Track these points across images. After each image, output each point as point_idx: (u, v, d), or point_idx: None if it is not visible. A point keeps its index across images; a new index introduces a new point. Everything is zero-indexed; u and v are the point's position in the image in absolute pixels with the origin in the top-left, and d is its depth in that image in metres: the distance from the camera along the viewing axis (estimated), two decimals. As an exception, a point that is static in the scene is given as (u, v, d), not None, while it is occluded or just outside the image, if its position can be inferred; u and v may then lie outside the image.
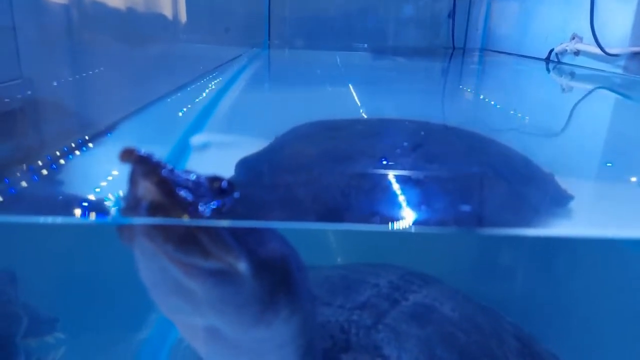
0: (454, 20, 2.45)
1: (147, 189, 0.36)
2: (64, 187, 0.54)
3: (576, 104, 1.24)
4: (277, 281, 0.45)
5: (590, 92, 1.41)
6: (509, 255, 1.03)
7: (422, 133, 0.74)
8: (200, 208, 0.38)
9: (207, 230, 0.38)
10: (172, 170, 0.37)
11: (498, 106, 1.17)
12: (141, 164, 0.36)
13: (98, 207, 0.45)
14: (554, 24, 1.81)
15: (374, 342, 0.63)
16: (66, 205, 0.47)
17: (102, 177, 0.53)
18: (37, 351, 0.95)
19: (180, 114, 0.91)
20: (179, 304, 0.42)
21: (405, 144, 0.66)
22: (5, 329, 0.91)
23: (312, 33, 2.43)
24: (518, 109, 1.13)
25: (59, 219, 0.46)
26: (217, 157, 0.71)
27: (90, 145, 0.65)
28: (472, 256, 1.08)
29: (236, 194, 0.41)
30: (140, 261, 0.41)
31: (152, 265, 0.40)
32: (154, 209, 0.36)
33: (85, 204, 0.46)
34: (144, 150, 0.36)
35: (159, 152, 0.37)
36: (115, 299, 0.94)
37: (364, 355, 0.62)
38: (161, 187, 0.36)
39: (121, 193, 0.42)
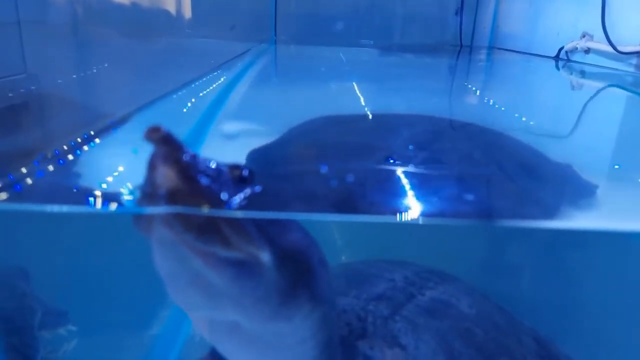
0: (461, 17, 2.42)
1: (167, 175, 0.34)
2: (75, 179, 0.53)
3: (587, 103, 1.22)
4: (300, 273, 0.44)
5: (601, 90, 1.39)
6: (530, 251, 1.00)
7: (438, 127, 0.72)
8: (222, 197, 0.36)
9: (229, 219, 0.37)
10: (194, 156, 0.35)
11: (506, 105, 1.15)
12: (164, 145, 0.34)
13: (111, 197, 0.43)
14: (563, 22, 1.79)
15: (391, 331, 0.62)
16: (79, 195, 0.45)
17: (110, 171, 0.51)
18: (50, 343, 0.96)
19: (189, 107, 0.90)
20: (197, 297, 0.41)
21: (421, 138, 0.64)
22: (22, 322, 0.92)
23: (318, 29, 2.41)
24: (527, 107, 1.11)
25: (74, 209, 0.44)
26: (228, 149, 0.70)
27: (97, 140, 0.63)
28: (492, 252, 1.05)
29: (257, 183, 0.39)
30: (157, 251, 0.39)
31: (170, 256, 0.39)
32: (173, 197, 0.34)
33: (98, 194, 0.44)
34: (167, 130, 0.34)
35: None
36: (128, 293, 0.94)
37: (381, 343, 0.60)
38: (182, 174, 0.34)
39: (130, 185, 0.42)
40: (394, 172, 0.52)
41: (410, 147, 0.61)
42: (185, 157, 0.34)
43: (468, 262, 0.96)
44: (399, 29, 2.51)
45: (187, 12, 1.36)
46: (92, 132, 0.64)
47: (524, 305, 0.82)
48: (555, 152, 0.74)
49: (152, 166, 0.35)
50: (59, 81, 0.89)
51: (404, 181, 0.50)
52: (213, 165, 0.37)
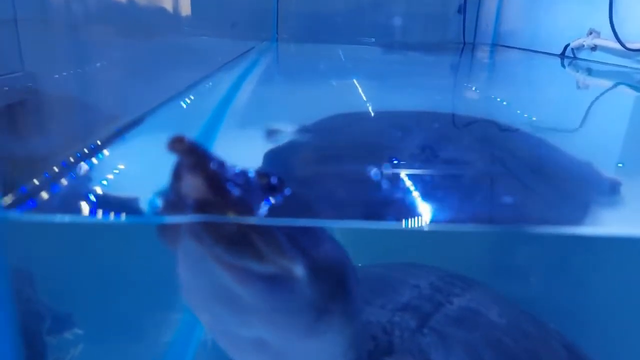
0: (464, 14, 2.40)
1: (195, 185, 0.32)
2: (91, 188, 0.50)
3: (594, 101, 1.21)
4: (334, 287, 0.42)
5: (609, 88, 1.37)
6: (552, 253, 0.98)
7: (456, 125, 0.70)
8: (251, 205, 0.35)
9: (261, 230, 0.35)
10: (221, 164, 0.33)
11: (510, 103, 1.13)
12: (190, 155, 0.32)
13: (129, 206, 0.41)
14: (569, 19, 1.77)
15: (420, 346, 0.59)
16: (96, 206, 0.43)
17: (126, 178, 0.50)
18: (57, 348, 0.94)
19: (198, 108, 0.88)
20: (225, 313, 0.39)
21: (442, 137, 0.62)
22: (31, 327, 0.90)
23: (320, 27, 2.39)
24: (531, 105, 1.09)
25: (94, 219, 0.42)
26: (240, 149, 0.68)
27: (108, 146, 0.62)
28: (513, 254, 1.03)
29: (287, 191, 0.38)
30: (183, 265, 0.37)
31: (197, 270, 0.37)
32: (201, 207, 0.33)
33: (116, 201, 0.43)
34: (192, 139, 0.32)
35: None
36: (139, 299, 0.92)
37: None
38: (210, 183, 0.32)
39: (148, 194, 0.39)
40: (422, 176, 0.51)
41: (434, 147, 0.59)
42: (213, 166, 0.33)
43: (486, 265, 0.94)
44: (402, 26, 2.49)
45: (187, 10, 1.34)
46: (101, 139, 0.63)
47: (547, 309, 0.80)
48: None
49: (177, 176, 0.33)
50: (57, 79, 0.88)
51: (435, 185, 0.48)
52: (240, 173, 0.35)
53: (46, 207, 0.44)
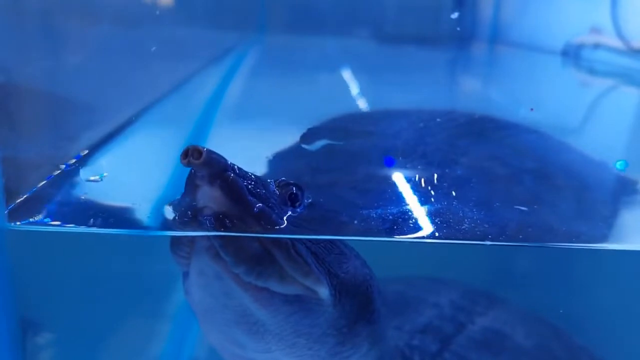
0: (461, 9, 2.37)
1: (212, 197, 0.30)
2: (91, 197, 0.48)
3: (595, 100, 1.19)
4: (360, 308, 0.40)
5: (611, 88, 1.36)
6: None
7: (469, 127, 0.68)
8: (275, 220, 0.32)
9: (284, 247, 0.32)
10: (241, 174, 0.31)
11: (509, 102, 1.13)
12: (208, 167, 0.29)
13: (122, 215, 0.40)
14: (570, 16, 1.74)
15: None
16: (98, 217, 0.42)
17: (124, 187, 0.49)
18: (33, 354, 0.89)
19: (188, 105, 0.86)
20: (241, 337, 0.36)
21: (456, 139, 0.60)
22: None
23: (311, 18, 2.35)
24: (530, 105, 1.06)
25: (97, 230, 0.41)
26: (235, 150, 0.64)
27: (102, 152, 0.60)
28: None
29: (308, 201, 0.35)
30: (197, 285, 0.34)
31: (212, 290, 0.34)
32: (219, 221, 0.29)
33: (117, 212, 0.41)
34: (209, 150, 0.29)
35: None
36: (130, 308, 0.88)
37: None
38: (231, 195, 0.30)
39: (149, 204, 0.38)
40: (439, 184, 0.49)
41: (449, 151, 0.56)
42: (232, 176, 0.30)
43: (507, 277, 0.91)
44: (395, 20, 2.46)
45: (180, 1, 1.30)
46: (89, 142, 0.61)
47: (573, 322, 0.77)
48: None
49: (193, 186, 0.30)
50: (31, 72, 0.82)
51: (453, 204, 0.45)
52: (260, 183, 0.33)
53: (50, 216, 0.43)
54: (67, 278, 0.89)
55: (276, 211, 0.33)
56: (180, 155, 0.29)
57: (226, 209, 0.30)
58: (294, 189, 0.35)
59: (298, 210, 0.35)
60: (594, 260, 0.92)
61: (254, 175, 0.33)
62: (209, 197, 0.30)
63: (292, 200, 0.35)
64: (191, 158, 0.29)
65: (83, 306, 0.89)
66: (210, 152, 0.29)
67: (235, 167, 0.31)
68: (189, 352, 0.93)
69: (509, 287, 0.82)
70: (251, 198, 0.31)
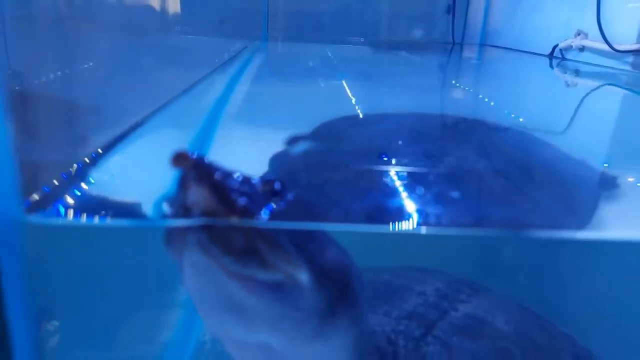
0: (453, 14, 2.41)
1: (201, 195, 0.34)
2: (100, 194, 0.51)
3: (581, 101, 1.21)
4: (339, 292, 0.43)
5: (596, 89, 1.39)
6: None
7: (463, 128, 0.71)
8: (255, 212, 0.36)
9: (266, 237, 0.36)
10: (226, 174, 0.35)
11: (497, 103, 1.14)
12: (194, 169, 0.33)
13: (131, 210, 0.43)
14: (557, 19, 1.78)
15: (423, 356, 0.59)
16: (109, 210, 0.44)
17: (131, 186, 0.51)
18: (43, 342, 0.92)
19: (195, 110, 0.88)
20: (232, 321, 0.40)
21: (449, 139, 0.63)
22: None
23: (310, 26, 2.39)
24: (519, 106, 1.10)
25: (97, 223, 0.43)
26: (237, 152, 0.68)
27: (112, 153, 0.61)
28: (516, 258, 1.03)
29: (290, 196, 0.38)
30: (190, 275, 0.38)
31: (204, 279, 0.37)
32: (208, 217, 0.34)
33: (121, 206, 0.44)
34: (195, 152, 0.34)
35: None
36: (137, 300, 0.91)
37: None
38: (216, 192, 0.34)
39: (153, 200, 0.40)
40: (426, 179, 0.51)
41: (439, 152, 0.59)
42: (217, 176, 0.34)
43: (493, 267, 0.94)
44: (390, 26, 2.50)
45: (176, 9, 1.33)
46: (99, 145, 0.63)
47: (561, 312, 0.79)
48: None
49: (183, 187, 0.34)
50: (44, 79, 0.86)
51: (440, 190, 0.48)
52: (244, 181, 0.36)
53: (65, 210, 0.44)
54: (80, 269, 0.92)
55: (258, 205, 0.36)
56: (170, 159, 0.33)
57: (212, 204, 0.34)
58: (276, 184, 0.39)
59: (281, 204, 0.38)
60: (576, 251, 0.95)
61: (238, 174, 0.36)
62: (197, 194, 0.34)
63: (275, 195, 0.38)
64: (179, 161, 0.33)
65: (95, 295, 0.92)
66: (195, 155, 0.33)
67: (220, 167, 0.35)
68: (196, 337, 0.96)
69: (493, 278, 0.85)
70: (234, 194, 0.35)
